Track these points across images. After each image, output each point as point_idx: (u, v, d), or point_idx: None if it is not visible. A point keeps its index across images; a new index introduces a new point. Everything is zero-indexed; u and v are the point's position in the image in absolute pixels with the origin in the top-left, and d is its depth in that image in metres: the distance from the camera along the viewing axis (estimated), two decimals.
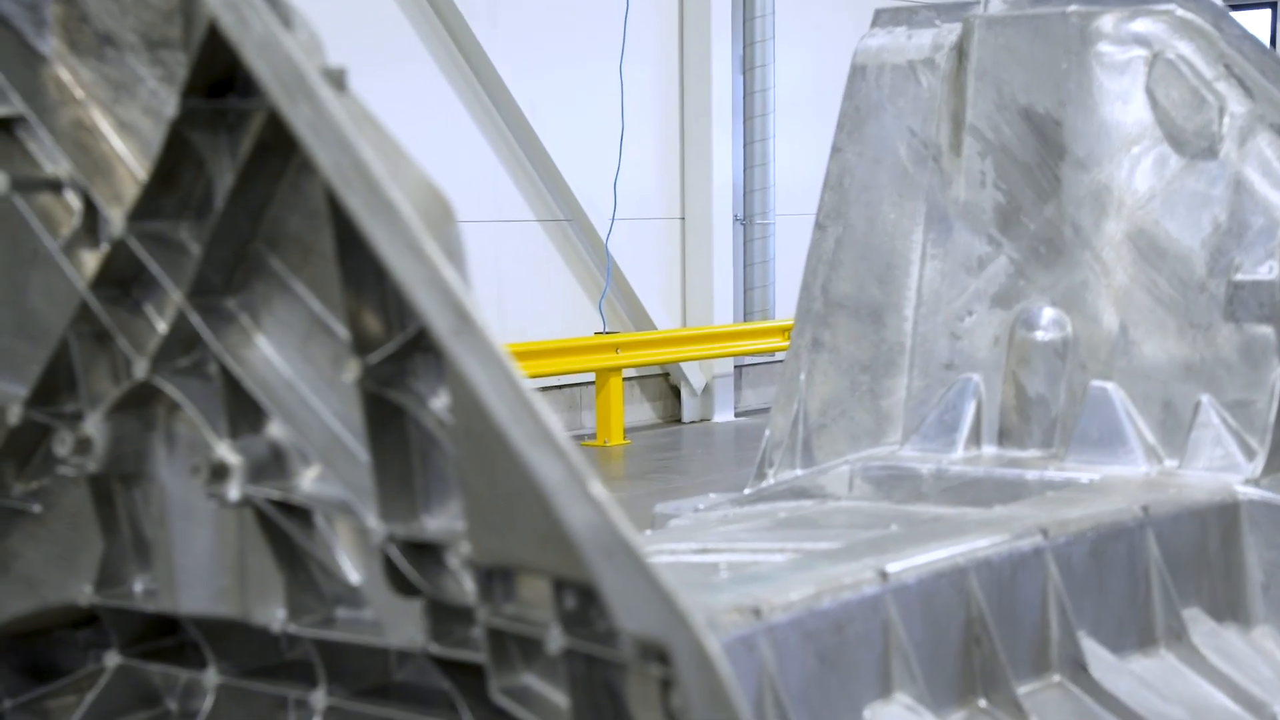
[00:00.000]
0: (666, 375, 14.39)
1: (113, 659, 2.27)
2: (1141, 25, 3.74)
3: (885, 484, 3.77)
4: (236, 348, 1.94)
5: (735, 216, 14.90)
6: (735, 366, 14.87)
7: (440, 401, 1.82)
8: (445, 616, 1.89)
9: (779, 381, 4.15)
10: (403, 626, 1.92)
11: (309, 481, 1.97)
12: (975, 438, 3.81)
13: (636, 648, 1.58)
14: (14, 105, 2.06)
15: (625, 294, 13.75)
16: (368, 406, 1.82)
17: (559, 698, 1.76)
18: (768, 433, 4.07)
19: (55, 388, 2.13)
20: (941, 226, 3.93)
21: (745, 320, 14.92)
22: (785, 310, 15.06)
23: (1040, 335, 3.76)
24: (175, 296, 1.93)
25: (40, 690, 2.41)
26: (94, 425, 2.06)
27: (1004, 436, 3.80)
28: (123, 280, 2.03)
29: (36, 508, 2.23)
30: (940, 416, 3.85)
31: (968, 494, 3.61)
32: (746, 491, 4.01)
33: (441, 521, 1.86)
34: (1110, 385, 3.64)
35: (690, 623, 1.37)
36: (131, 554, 2.18)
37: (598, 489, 1.43)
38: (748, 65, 14.96)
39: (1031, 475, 3.56)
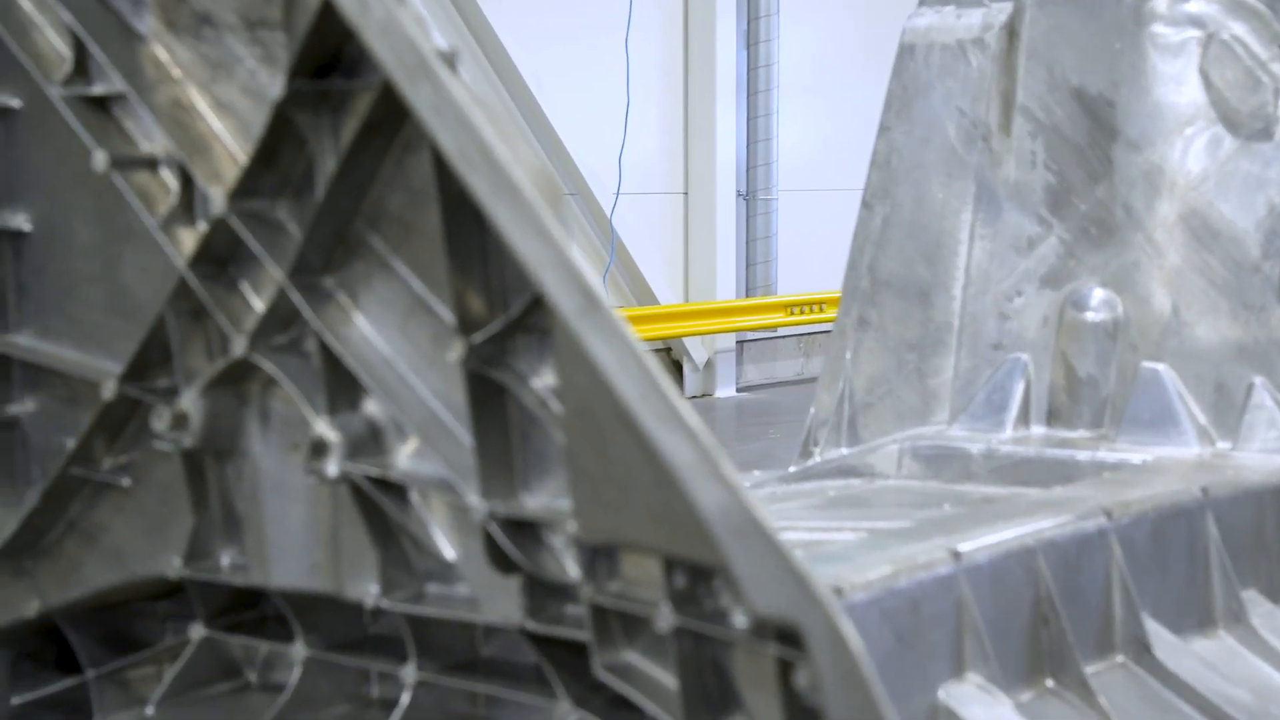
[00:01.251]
0: (669, 350, 14.42)
1: (198, 631, 2.30)
2: (1195, 6, 3.74)
3: (934, 463, 3.79)
4: (335, 325, 1.96)
5: (738, 192, 14.92)
6: (737, 342, 14.89)
7: (542, 381, 1.84)
8: (542, 593, 1.91)
9: (824, 360, 4.17)
10: (499, 603, 1.94)
11: (405, 458, 1.99)
12: (1024, 418, 3.82)
13: (752, 628, 1.60)
14: (114, 83, 2.08)
15: (628, 268, 13.77)
16: (470, 385, 1.84)
17: (662, 675, 1.78)
18: (813, 411, 4.09)
19: (148, 363, 2.15)
20: (990, 206, 3.94)
21: (747, 296, 14.94)
22: (787, 286, 15.07)
23: (1091, 316, 3.76)
24: (275, 274, 1.95)
25: (122, 661, 2.44)
26: (190, 401, 2.08)
27: (1053, 417, 3.81)
28: (220, 258, 2.05)
29: (125, 481, 2.26)
30: (989, 396, 3.86)
31: (1018, 474, 3.63)
32: (792, 469, 4.03)
33: (541, 499, 1.88)
34: (1162, 366, 3.64)
35: (824, 603, 1.39)
36: (220, 528, 2.20)
37: (729, 470, 1.45)
38: (752, 40, 14.95)
39: (1083, 456, 3.57)
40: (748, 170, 15.11)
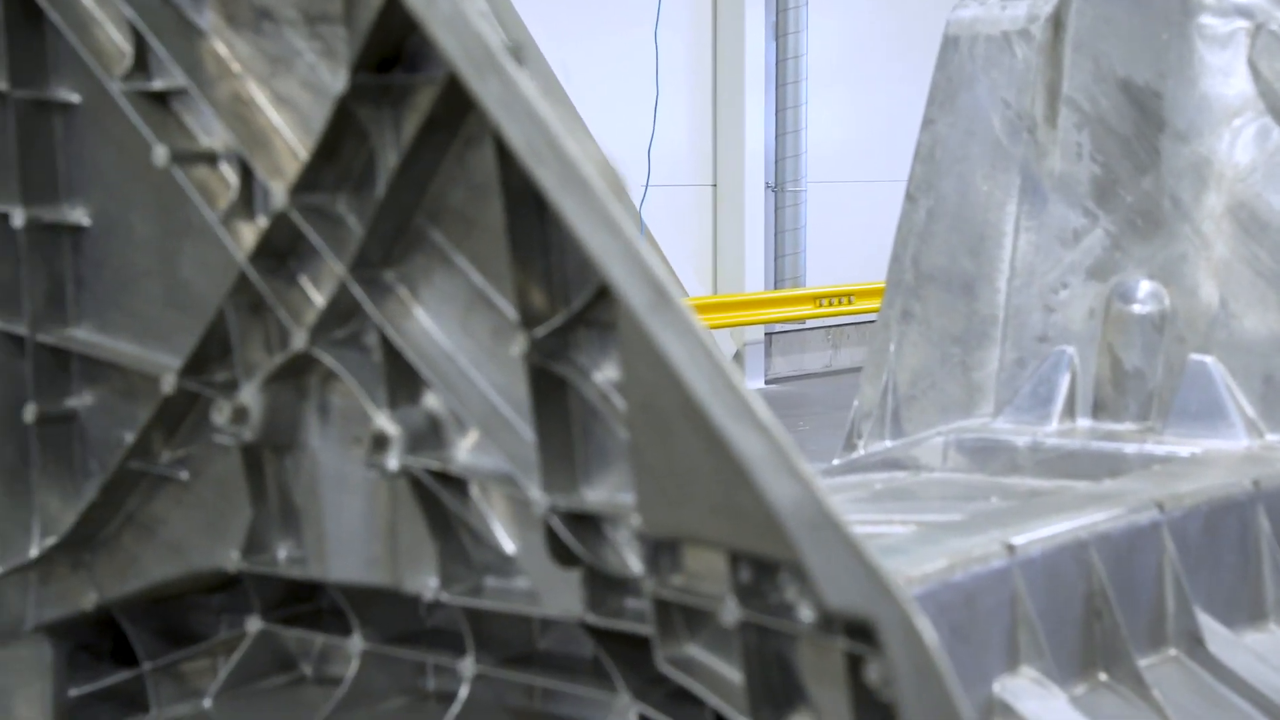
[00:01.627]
0: None
1: (254, 624, 2.31)
2: None
3: (980, 456, 3.78)
4: (396, 319, 1.97)
5: (767, 184, 14.89)
6: (766, 334, 14.88)
7: (603, 375, 1.85)
8: (602, 586, 1.92)
9: (867, 353, 4.17)
10: (559, 596, 1.95)
11: (465, 452, 1.99)
12: (1069, 410, 3.81)
13: (820, 622, 1.60)
14: (174, 78, 2.09)
15: None
16: (532, 380, 1.84)
17: (725, 669, 1.78)
18: (856, 403, 4.09)
19: (207, 357, 2.16)
20: (1036, 198, 3.93)
21: (776, 288, 14.92)
22: (815, 278, 15.04)
23: (1137, 308, 3.75)
24: (336, 268, 1.96)
25: (178, 653, 2.45)
26: (250, 395, 2.09)
27: (1099, 409, 3.80)
28: (280, 252, 2.06)
29: (183, 475, 2.27)
30: (1034, 389, 3.85)
31: (1064, 467, 3.62)
32: (835, 462, 4.03)
33: (601, 493, 1.89)
34: (1209, 359, 3.63)
35: (899, 598, 1.39)
36: (278, 521, 2.21)
37: (802, 464, 1.45)
38: (780, 32, 14.93)
39: (1130, 449, 3.56)
40: (776, 162, 15.09)
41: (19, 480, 2.38)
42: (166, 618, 2.49)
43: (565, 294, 1.83)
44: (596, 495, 1.88)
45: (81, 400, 2.35)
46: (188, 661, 2.47)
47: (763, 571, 1.67)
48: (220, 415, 2.07)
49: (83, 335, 2.32)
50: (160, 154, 2.08)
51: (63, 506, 2.37)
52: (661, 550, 1.77)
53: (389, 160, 1.92)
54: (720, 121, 14.48)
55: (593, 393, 1.84)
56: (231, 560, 2.23)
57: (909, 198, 4.14)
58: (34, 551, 2.41)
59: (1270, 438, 3.53)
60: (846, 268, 14.92)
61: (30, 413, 2.33)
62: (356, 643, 2.20)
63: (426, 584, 2.05)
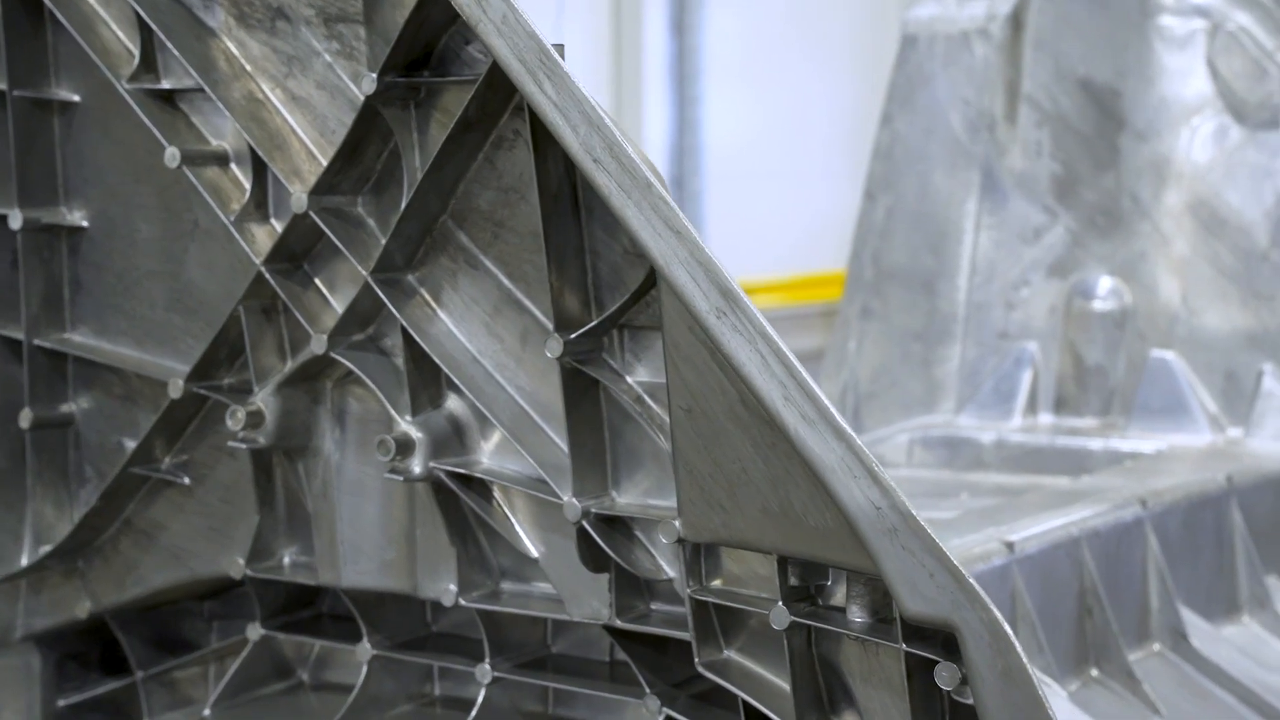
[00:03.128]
0: None
1: (255, 631, 2.28)
2: None
3: (945, 452, 3.81)
4: (419, 322, 1.94)
5: (668, 178, 14.91)
6: None
7: (637, 378, 1.84)
8: (630, 590, 1.91)
9: (827, 349, 4.18)
10: (586, 601, 1.94)
11: (488, 456, 1.98)
12: (1032, 406, 3.85)
13: (871, 624, 1.60)
14: (182, 78, 2.06)
15: None
16: (566, 382, 1.83)
17: (764, 672, 1.78)
18: None
19: (215, 362, 2.13)
20: (996, 196, 3.96)
21: None
22: None
23: (1098, 305, 3.79)
24: (359, 270, 1.93)
25: (172, 662, 2.41)
26: (264, 399, 2.06)
27: (1061, 405, 3.83)
28: (295, 254, 2.03)
29: (185, 479, 2.23)
30: (996, 385, 3.88)
31: (1030, 463, 3.65)
32: None
33: (632, 497, 1.88)
34: (1171, 354, 3.68)
35: (983, 602, 1.39)
36: (284, 527, 2.19)
37: (880, 469, 1.45)
38: (681, 26, 14.94)
39: (1096, 445, 3.60)
40: (677, 157, 15.10)
41: (12, 487, 2.33)
42: (158, 625, 2.45)
43: (599, 297, 1.82)
44: (627, 499, 1.87)
45: (78, 405, 2.31)
46: (179, 670, 2.43)
47: (811, 574, 1.67)
48: (234, 420, 2.04)
49: (80, 339, 2.27)
50: (171, 155, 2.04)
51: (57, 514, 2.33)
52: (701, 554, 1.77)
53: (414, 162, 1.90)
54: (621, 116, 14.47)
55: (626, 395, 1.83)
56: (236, 566, 2.20)
57: (868, 195, 4.16)
58: (25, 560, 2.36)
59: (1232, 432, 3.58)
60: (748, 262, 14.94)
61: (25, 418, 2.28)
62: (365, 649, 2.18)
63: (446, 589, 2.03)
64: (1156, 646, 2.81)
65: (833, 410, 1.48)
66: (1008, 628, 1.37)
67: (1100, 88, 3.83)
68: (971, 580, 1.40)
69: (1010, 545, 2.49)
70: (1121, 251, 3.80)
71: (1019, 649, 1.36)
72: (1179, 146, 3.74)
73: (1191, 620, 2.86)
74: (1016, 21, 3.97)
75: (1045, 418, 3.83)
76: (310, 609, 2.34)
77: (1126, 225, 3.79)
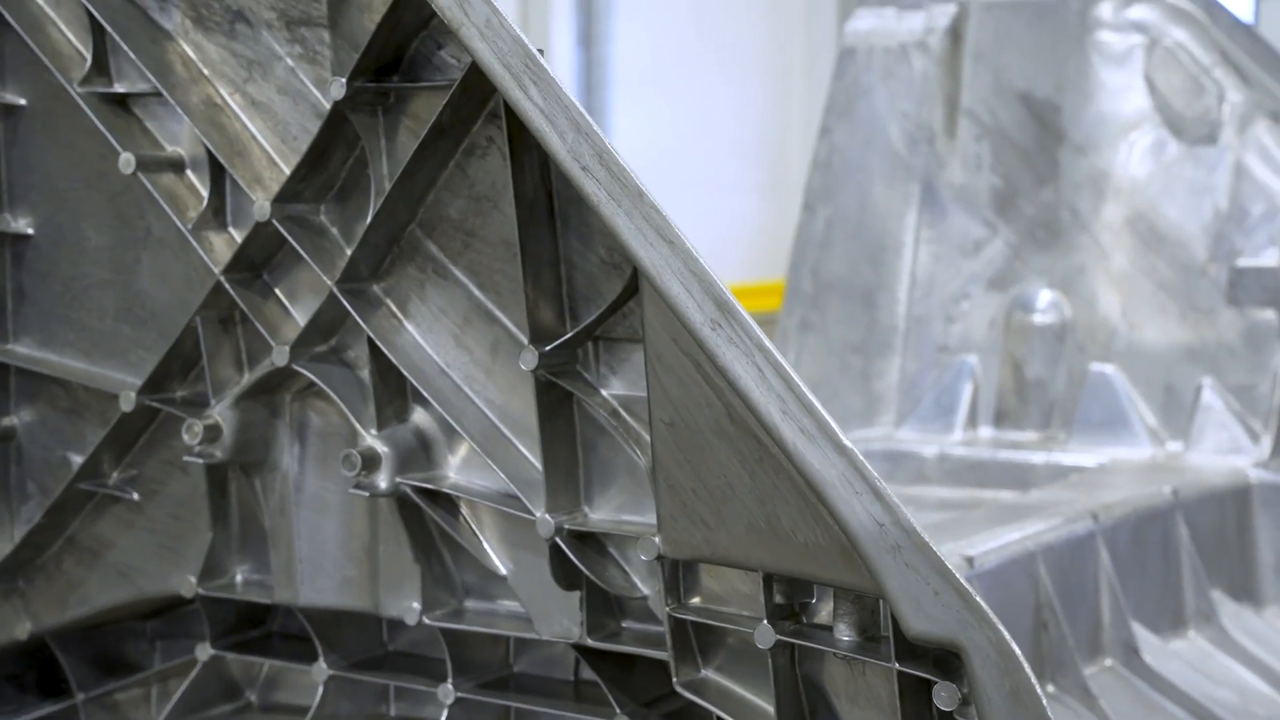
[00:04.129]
0: None
1: (204, 651, 2.21)
2: (1138, 12, 3.78)
3: (886, 466, 3.79)
4: (385, 334, 1.89)
5: None
6: None
7: (612, 391, 1.80)
8: (601, 608, 1.87)
9: None
10: (555, 619, 1.89)
11: (454, 471, 1.93)
12: (972, 419, 3.84)
13: (857, 646, 1.57)
14: (136, 82, 2.00)
15: None
16: (540, 395, 1.79)
17: (742, 691, 1.74)
18: None
19: (169, 374, 2.07)
20: (935, 209, 3.95)
21: None
22: None
23: (1038, 318, 3.79)
24: (326, 281, 1.88)
25: (114, 684, 2.35)
26: (222, 412, 2.00)
27: (1001, 418, 3.83)
28: (254, 264, 1.98)
29: (134, 495, 2.17)
30: (937, 398, 3.88)
31: (972, 477, 3.65)
32: None
33: (605, 513, 1.84)
34: (1110, 368, 3.68)
35: (990, 621, 1.36)
36: (238, 544, 2.13)
37: (883, 485, 1.42)
38: (588, 38, 14.95)
39: (1038, 458, 3.60)
40: None
41: None
42: (100, 646, 2.38)
43: (574, 308, 1.78)
44: (601, 515, 1.83)
45: (20, 418, 2.23)
46: (121, 692, 2.36)
47: (796, 592, 1.64)
48: (191, 434, 1.98)
49: (24, 350, 2.20)
50: (126, 160, 1.98)
51: None
52: (680, 571, 1.73)
53: (382, 169, 1.85)
54: None
55: (601, 409, 1.79)
56: (188, 584, 2.14)
57: (806, 207, 4.14)
58: None
59: (1172, 445, 3.59)
60: None
61: None
62: (322, 669, 2.12)
63: (409, 607, 1.98)
64: (1109, 661, 2.81)
65: (833, 424, 1.44)
66: (1015, 647, 1.35)
67: (1039, 102, 3.84)
68: (978, 599, 1.37)
69: (970, 560, 2.48)
70: (1061, 265, 3.80)
71: (1027, 669, 1.34)
72: (1118, 161, 3.75)
73: (1142, 635, 2.86)
74: (955, 35, 3.97)
75: (986, 431, 3.83)
76: (260, 628, 2.28)
77: (1066, 239, 3.80)
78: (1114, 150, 3.76)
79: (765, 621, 1.63)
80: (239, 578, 2.15)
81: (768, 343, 1.48)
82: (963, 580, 1.36)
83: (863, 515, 1.43)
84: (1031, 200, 3.84)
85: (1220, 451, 3.51)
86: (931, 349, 3.92)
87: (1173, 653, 2.90)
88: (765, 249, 10.49)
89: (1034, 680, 1.31)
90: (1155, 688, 2.77)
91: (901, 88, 4.02)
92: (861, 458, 1.43)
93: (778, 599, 1.63)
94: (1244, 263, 3.58)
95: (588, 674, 2.00)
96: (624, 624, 1.89)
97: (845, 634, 1.59)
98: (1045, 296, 3.81)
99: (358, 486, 1.91)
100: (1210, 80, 3.69)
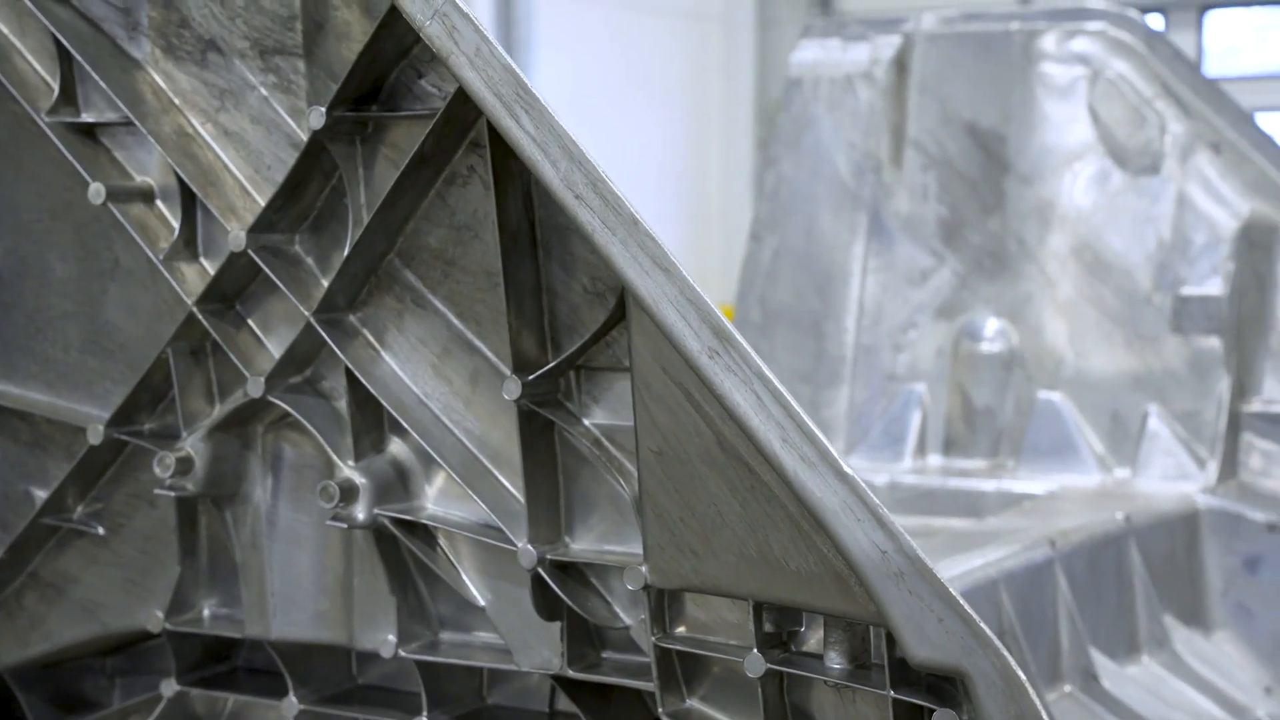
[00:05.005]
0: None
1: (169, 687, 2.18)
2: (1081, 45, 3.83)
3: None
4: (363, 364, 1.88)
5: None
6: None
7: (594, 420, 1.79)
8: (581, 639, 1.86)
9: None
10: (535, 650, 1.88)
11: (433, 502, 1.92)
12: (921, 448, 3.86)
13: (847, 673, 1.57)
14: (109, 111, 1.98)
15: None
16: (523, 425, 1.78)
17: (724, 719, 1.74)
18: None
19: (137, 406, 2.04)
20: (883, 239, 3.98)
21: None
22: None
23: (986, 346, 3.82)
24: (302, 311, 1.86)
25: None
26: (194, 445, 1.97)
27: (950, 446, 3.85)
28: (227, 294, 1.96)
29: (100, 529, 2.14)
30: (886, 427, 3.89)
31: (924, 505, 3.66)
32: None
33: (586, 543, 1.83)
34: (1058, 396, 3.71)
35: (995, 648, 1.36)
36: (205, 577, 2.10)
37: (885, 512, 1.42)
38: None
39: (989, 486, 3.62)
40: None
41: None
42: (59, 683, 2.34)
43: (556, 338, 1.77)
44: (582, 545, 1.82)
45: None
46: None
47: (785, 620, 1.63)
48: (163, 467, 1.95)
49: None
50: (96, 191, 1.96)
51: None
52: (666, 601, 1.72)
53: (360, 199, 1.84)
54: None
55: (583, 439, 1.78)
56: (155, 620, 2.11)
57: (754, 237, 4.15)
58: None
59: (1119, 472, 3.62)
60: None
61: None
62: (292, 703, 2.09)
63: (384, 640, 1.96)
64: (1068, 687, 2.82)
65: (833, 452, 1.44)
66: (1021, 673, 1.35)
67: (985, 132, 3.87)
68: (982, 625, 1.37)
69: None
70: (1008, 294, 3.83)
71: (1033, 694, 1.34)
72: (1063, 191, 3.79)
73: (1100, 660, 2.88)
74: (900, 66, 4.00)
75: (935, 459, 3.85)
76: (226, 663, 2.25)
77: (1012, 268, 3.83)
78: (1059, 180, 3.80)
79: (755, 650, 1.62)
80: (207, 612, 2.12)
81: (767, 371, 1.48)
82: (966, 606, 1.37)
83: (865, 542, 1.43)
84: (978, 230, 3.87)
85: (1167, 478, 3.54)
86: (880, 378, 3.94)
87: (1129, 678, 2.93)
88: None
89: (1040, 706, 1.32)
90: (1115, 713, 2.79)
91: (848, 118, 4.04)
92: (863, 485, 1.43)
93: (767, 627, 1.63)
94: (1188, 291, 3.62)
95: (563, 705, 1.99)
96: (604, 654, 1.88)
97: (836, 661, 1.59)
98: (992, 325, 3.83)
99: (335, 518, 1.89)
100: (1152, 111, 3.74)
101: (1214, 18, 10.88)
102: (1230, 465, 3.53)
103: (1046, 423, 3.72)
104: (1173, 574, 3.27)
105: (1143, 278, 3.69)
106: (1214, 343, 3.59)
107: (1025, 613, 2.72)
